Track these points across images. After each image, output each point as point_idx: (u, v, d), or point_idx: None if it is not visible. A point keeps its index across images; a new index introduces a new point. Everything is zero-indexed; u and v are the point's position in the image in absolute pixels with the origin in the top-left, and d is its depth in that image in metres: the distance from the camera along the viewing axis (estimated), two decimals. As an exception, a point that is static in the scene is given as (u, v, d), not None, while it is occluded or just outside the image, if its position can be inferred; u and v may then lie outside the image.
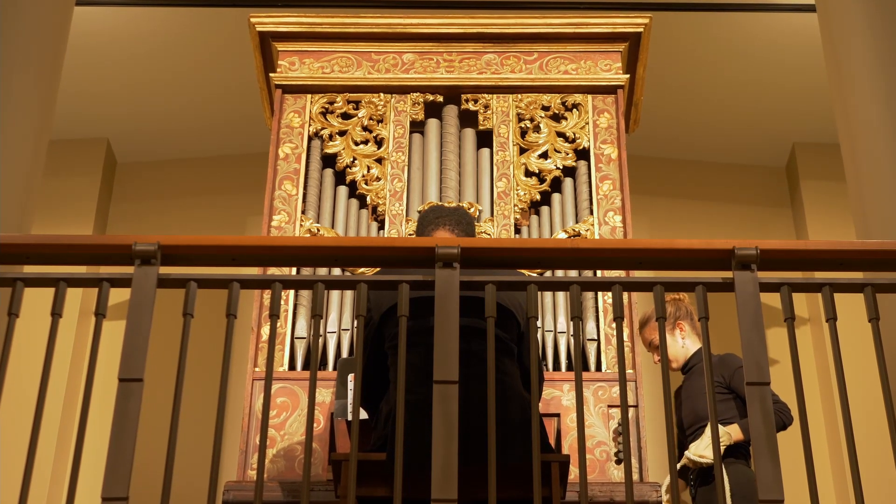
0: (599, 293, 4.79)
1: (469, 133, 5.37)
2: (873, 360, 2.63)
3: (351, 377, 4.12)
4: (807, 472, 2.53)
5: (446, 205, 4.86)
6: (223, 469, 5.52)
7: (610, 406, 4.55)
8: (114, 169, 7.40)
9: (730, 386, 4.38)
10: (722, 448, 4.18)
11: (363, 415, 3.60)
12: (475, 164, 5.28)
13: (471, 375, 3.01)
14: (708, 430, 4.24)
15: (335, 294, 4.82)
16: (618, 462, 4.38)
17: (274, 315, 2.68)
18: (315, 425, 4.39)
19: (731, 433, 4.22)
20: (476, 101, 5.39)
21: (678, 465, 4.28)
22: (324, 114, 5.35)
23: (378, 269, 3.48)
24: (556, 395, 4.55)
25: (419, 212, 5.06)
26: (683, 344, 4.61)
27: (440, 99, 5.40)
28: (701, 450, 4.22)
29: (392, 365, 3.29)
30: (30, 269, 2.90)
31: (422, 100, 5.38)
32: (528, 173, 5.20)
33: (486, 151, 5.31)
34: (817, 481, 2.54)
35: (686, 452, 4.28)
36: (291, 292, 4.79)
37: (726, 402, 4.35)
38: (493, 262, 2.86)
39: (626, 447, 2.59)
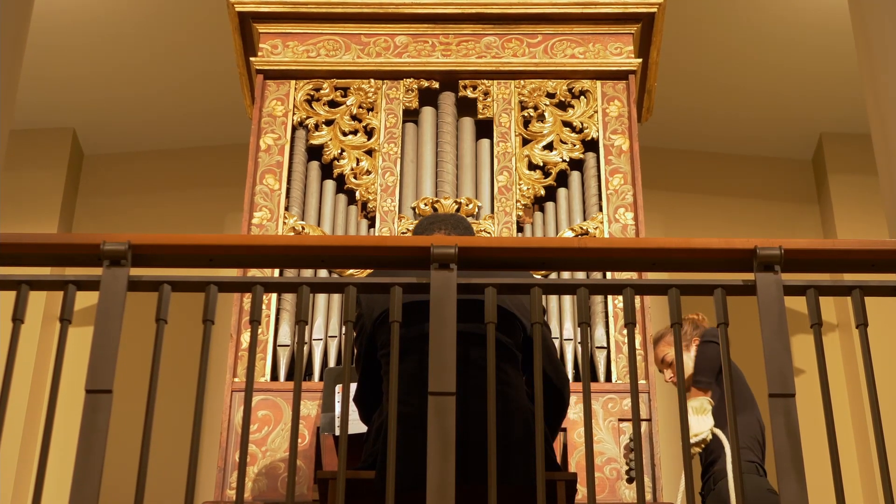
0: (609, 297, 4.80)
1: (467, 122, 5.37)
2: (907, 369, 2.63)
3: (339, 388, 4.13)
4: (835, 490, 2.53)
5: (441, 211, 4.86)
6: (199, 488, 5.51)
7: (621, 420, 4.56)
8: (80, 161, 7.40)
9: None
10: (703, 433, 4.18)
11: (353, 429, 3.60)
12: (474, 156, 5.29)
13: (469, 385, 3.00)
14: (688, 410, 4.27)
15: (321, 298, 4.83)
16: (629, 481, 4.39)
17: (255, 321, 2.68)
18: (300, 441, 4.39)
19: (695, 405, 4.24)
20: (475, 88, 5.39)
21: None
22: (309, 101, 5.36)
23: (369, 270, 3.47)
24: (563, 407, 4.55)
25: (412, 208, 5.07)
26: None
27: (436, 85, 5.41)
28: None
29: (386, 374, 3.28)
30: (-11, 271, 2.90)
31: (416, 86, 5.38)
32: (532, 166, 5.21)
33: (485, 142, 5.31)
34: (846, 499, 2.55)
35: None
36: (274, 296, 4.80)
37: None
38: (493, 263, 2.86)
39: (637, 464, 2.59)
